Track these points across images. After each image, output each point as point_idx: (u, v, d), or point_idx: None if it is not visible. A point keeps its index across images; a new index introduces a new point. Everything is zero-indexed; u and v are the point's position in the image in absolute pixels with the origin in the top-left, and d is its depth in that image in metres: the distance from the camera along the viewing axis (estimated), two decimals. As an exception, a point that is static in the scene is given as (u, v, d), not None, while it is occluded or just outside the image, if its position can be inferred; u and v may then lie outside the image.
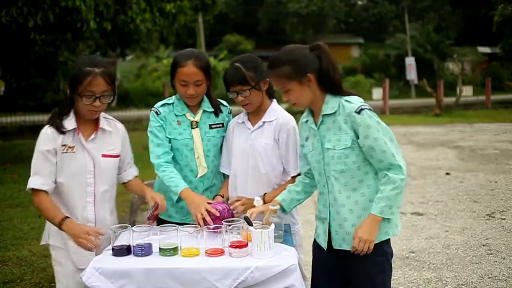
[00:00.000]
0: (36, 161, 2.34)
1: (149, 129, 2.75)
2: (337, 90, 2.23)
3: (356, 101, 2.20)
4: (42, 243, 2.52)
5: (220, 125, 2.80)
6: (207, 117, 2.77)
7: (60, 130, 2.35)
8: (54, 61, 13.24)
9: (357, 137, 2.17)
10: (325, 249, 2.31)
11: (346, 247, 2.25)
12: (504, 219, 5.71)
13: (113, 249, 2.15)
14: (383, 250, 2.23)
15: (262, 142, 2.60)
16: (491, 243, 4.90)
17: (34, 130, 16.17)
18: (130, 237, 2.17)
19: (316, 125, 2.29)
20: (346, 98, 2.21)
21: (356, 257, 2.21)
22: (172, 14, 11.56)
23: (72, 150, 2.38)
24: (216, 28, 34.02)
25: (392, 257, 2.33)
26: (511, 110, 21.25)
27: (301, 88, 2.21)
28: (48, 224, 2.43)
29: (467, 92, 25.21)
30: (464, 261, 4.45)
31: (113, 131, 2.53)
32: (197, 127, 2.72)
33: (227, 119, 2.83)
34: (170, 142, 2.72)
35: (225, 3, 33.24)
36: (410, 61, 28.04)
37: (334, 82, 2.21)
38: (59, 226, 2.27)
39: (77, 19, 8.50)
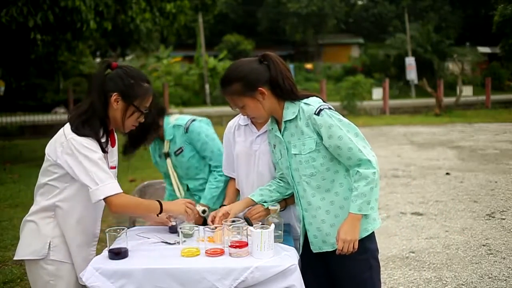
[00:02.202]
0: (101, 166, 2.11)
1: None
2: (292, 96, 2.22)
3: (314, 102, 2.19)
4: (33, 257, 2.21)
5: (180, 150, 2.93)
6: (172, 144, 2.94)
7: (103, 148, 2.19)
8: (54, 61, 13.23)
9: (321, 139, 2.16)
10: (300, 251, 2.32)
11: (326, 248, 2.26)
12: (504, 219, 5.71)
13: (109, 252, 2.13)
14: (365, 247, 2.22)
15: (266, 147, 2.53)
16: (491, 243, 4.91)
17: (34, 130, 16.25)
18: (127, 239, 2.17)
19: (280, 132, 2.28)
20: (305, 101, 2.20)
21: (339, 258, 2.20)
22: (172, 14, 11.57)
23: None
24: (216, 28, 34.01)
25: (378, 252, 2.33)
26: (511, 110, 21.25)
27: (255, 103, 2.20)
28: (41, 236, 2.20)
29: (467, 92, 25.20)
30: (464, 261, 4.44)
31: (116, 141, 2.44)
32: (168, 156, 2.97)
33: (183, 139, 2.91)
34: None
35: (225, 3, 33.24)
36: (410, 61, 28.02)
37: (285, 90, 2.20)
38: (161, 210, 2.29)
39: (77, 19, 8.50)
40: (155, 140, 2.98)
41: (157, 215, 2.32)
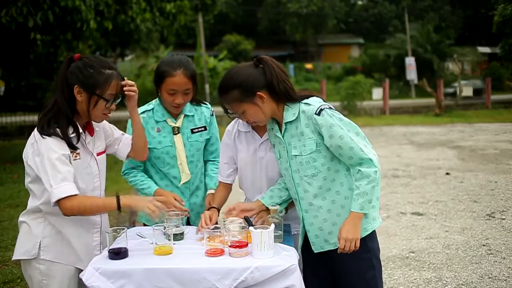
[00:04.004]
0: (57, 168, 2.08)
1: None
2: (289, 98, 2.21)
3: (314, 102, 2.19)
4: (25, 257, 2.25)
5: (203, 129, 2.79)
6: (188, 121, 2.76)
7: (71, 144, 2.16)
8: (54, 61, 13.23)
9: (322, 139, 2.16)
10: (300, 251, 2.32)
11: (329, 247, 2.26)
12: (504, 219, 5.71)
13: (109, 252, 2.13)
14: (367, 246, 2.23)
15: (273, 154, 2.46)
16: (491, 243, 4.91)
17: (34, 130, 16.23)
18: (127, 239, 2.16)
19: (281, 133, 2.28)
20: (305, 101, 2.20)
21: (342, 257, 2.20)
22: (172, 14, 11.58)
23: (79, 156, 2.21)
24: (216, 28, 34.01)
25: (379, 251, 2.33)
26: (511, 110, 21.25)
27: (254, 107, 2.20)
28: (32, 236, 2.22)
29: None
30: (464, 261, 4.44)
31: (97, 128, 2.41)
32: (179, 132, 2.71)
33: (208, 121, 2.82)
34: (149, 151, 2.67)
35: (225, 3, 33.23)
36: (410, 61, 28.03)
37: (281, 93, 2.19)
38: (119, 207, 2.14)
39: (77, 19, 8.50)
40: (154, 110, 2.73)
41: (120, 213, 2.21)
